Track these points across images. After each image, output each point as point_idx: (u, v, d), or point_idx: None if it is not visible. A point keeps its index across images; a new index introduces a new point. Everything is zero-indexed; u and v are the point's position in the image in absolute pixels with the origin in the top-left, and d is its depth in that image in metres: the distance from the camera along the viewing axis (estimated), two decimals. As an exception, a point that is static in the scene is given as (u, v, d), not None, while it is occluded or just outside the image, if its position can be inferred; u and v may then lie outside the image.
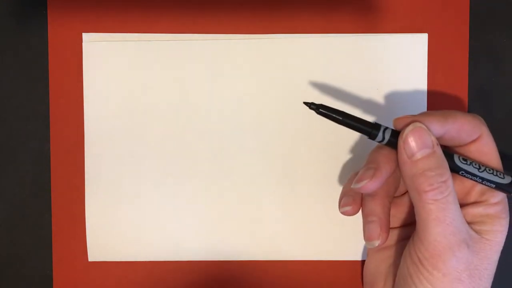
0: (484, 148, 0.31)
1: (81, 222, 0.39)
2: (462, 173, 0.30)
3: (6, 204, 0.40)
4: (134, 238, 0.39)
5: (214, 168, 0.39)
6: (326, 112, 0.31)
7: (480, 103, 0.40)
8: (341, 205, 0.34)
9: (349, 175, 0.36)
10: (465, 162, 0.30)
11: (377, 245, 0.31)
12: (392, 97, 0.39)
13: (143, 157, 0.39)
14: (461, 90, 0.40)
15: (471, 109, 0.40)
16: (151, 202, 0.39)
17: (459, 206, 0.29)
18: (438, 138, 0.30)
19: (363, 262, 0.39)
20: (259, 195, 0.39)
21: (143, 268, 0.39)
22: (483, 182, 0.30)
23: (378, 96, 0.39)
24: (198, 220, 0.39)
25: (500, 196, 0.31)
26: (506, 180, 0.30)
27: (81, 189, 0.39)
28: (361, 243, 0.39)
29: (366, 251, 0.39)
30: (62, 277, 0.39)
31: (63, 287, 0.39)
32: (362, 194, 0.33)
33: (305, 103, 0.32)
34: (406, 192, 0.36)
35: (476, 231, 0.30)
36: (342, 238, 0.39)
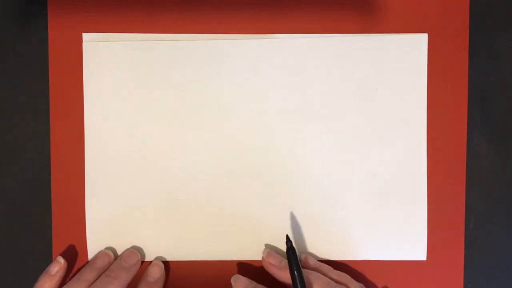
0: None
1: (81, 223, 0.39)
2: None
3: (6, 204, 0.40)
4: (134, 238, 0.39)
5: (214, 167, 0.39)
6: (288, 256, 0.35)
7: (479, 103, 0.40)
8: None
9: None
10: None
11: None
12: (392, 97, 0.39)
13: (143, 156, 0.39)
14: (461, 90, 0.40)
15: (471, 108, 0.40)
16: (151, 203, 0.39)
17: None
18: None
19: (362, 261, 0.40)
20: (259, 195, 0.39)
21: (143, 268, 0.39)
22: None
23: (378, 96, 0.39)
24: (198, 220, 0.39)
25: None
26: None
27: (81, 189, 0.39)
28: (360, 243, 0.39)
29: (366, 250, 0.39)
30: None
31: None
32: None
33: (287, 236, 0.36)
34: None
35: None
36: (342, 238, 0.39)
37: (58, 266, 0.37)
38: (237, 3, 0.39)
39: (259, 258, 0.39)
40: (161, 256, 0.40)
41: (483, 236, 0.40)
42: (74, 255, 0.40)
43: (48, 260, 0.40)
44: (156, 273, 0.38)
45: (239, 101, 0.39)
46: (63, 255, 0.39)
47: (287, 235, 0.36)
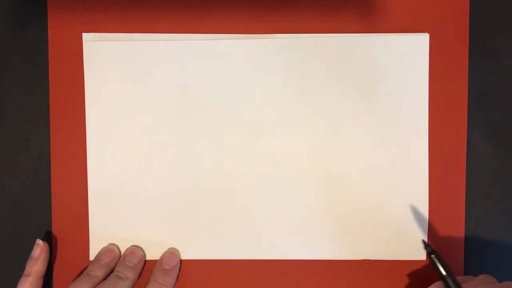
0: None
1: (81, 222, 0.39)
2: None
3: (6, 203, 0.40)
4: (136, 237, 0.39)
5: (215, 167, 0.39)
6: (434, 261, 0.35)
7: (479, 103, 0.40)
8: None
9: None
10: None
11: None
12: (393, 97, 0.39)
13: (144, 156, 0.39)
14: (461, 90, 0.40)
15: (471, 108, 0.40)
16: (154, 202, 0.39)
17: None
18: None
19: (362, 261, 0.40)
20: (260, 194, 0.39)
21: (145, 267, 0.39)
22: None
23: (379, 96, 0.39)
24: (200, 220, 0.39)
25: None
26: None
27: (81, 189, 0.39)
28: (360, 242, 0.39)
29: (366, 249, 0.39)
30: (63, 276, 0.40)
31: (63, 285, 0.39)
32: None
33: (424, 242, 0.37)
34: None
35: None
36: (342, 238, 0.39)
37: (39, 248, 0.37)
38: (237, 3, 0.39)
39: (262, 257, 0.39)
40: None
41: (483, 236, 0.40)
42: (74, 254, 0.40)
43: (49, 260, 0.40)
44: (172, 261, 0.39)
45: (239, 101, 0.39)
46: (64, 254, 0.39)
47: (423, 241, 0.37)
